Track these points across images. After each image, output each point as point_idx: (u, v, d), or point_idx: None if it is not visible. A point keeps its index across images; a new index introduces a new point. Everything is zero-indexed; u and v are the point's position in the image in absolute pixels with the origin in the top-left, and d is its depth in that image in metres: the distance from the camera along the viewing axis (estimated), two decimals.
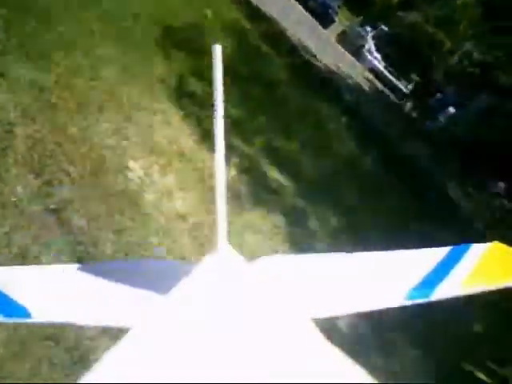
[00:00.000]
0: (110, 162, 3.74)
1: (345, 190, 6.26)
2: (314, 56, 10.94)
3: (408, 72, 16.51)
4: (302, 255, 2.02)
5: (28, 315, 1.44)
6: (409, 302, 1.55)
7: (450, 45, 12.77)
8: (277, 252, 4.14)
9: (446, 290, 1.54)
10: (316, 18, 14.81)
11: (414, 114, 14.90)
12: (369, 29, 17.15)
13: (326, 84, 9.68)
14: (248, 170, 5.04)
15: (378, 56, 16.57)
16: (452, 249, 1.81)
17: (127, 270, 1.84)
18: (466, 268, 1.65)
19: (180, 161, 4.38)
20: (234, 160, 4.94)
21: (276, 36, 9.56)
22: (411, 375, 4.13)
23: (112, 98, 4.39)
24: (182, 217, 3.82)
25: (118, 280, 1.67)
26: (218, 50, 1.83)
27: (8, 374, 2.37)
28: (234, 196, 4.40)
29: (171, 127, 4.72)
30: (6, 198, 2.95)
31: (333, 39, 16.11)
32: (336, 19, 17.00)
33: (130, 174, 3.82)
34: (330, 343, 0.69)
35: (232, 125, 4.62)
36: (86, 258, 3.03)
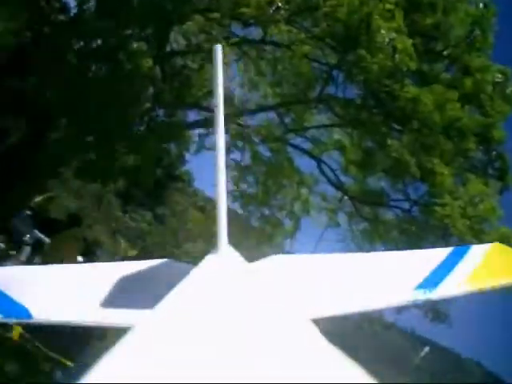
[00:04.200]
0: None
1: None
2: None
3: None
4: (302, 255, 2.07)
5: (28, 315, 1.44)
6: (410, 302, 1.65)
7: None
8: None
9: (447, 290, 1.64)
10: None
11: None
12: None
13: None
14: None
15: None
16: (454, 249, 1.91)
17: (127, 271, 1.83)
18: (468, 268, 1.73)
19: None
20: None
21: None
22: None
23: None
24: None
25: (118, 280, 1.69)
26: (218, 50, 1.77)
27: None
28: None
29: None
30: None
31: None
32: None
33: None
34: (330, 343, 0.69)
35: None
36: None
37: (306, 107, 9.44)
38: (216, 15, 7.07)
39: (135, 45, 7.60)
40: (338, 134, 9.51)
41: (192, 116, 10.13)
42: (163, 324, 0.83)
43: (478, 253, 1.86)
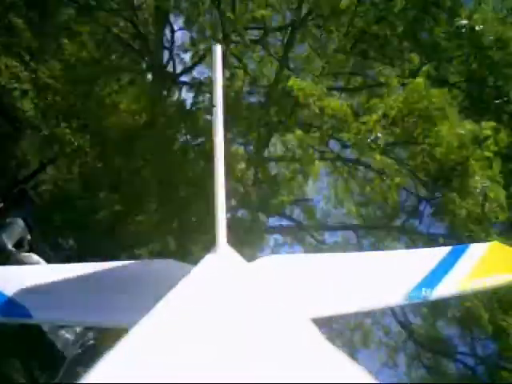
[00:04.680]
0: None
1: None
2: None
3: None
4: (302, 255, 2.03)
5: (28, 315, 1.47)
6: (410, 302, 1.59)
7: None
8: None
9: (446, 289, 1.64)
10: None
11: None
12: None
13: None
14: None
15: None
16: (452, 248, 1.88)
17: (127, 271, 1.86)
18: (466, 267, 1.71)
19: None
20: None
21: None
22: None
23: None
24: None
25: (118, 280, 1.72)
26: (218, 50, 1.81)
27: None
28: None
29: None
30: None
31: None
32: None
33: None
34: (330, 343, 0.70)
35: None
36: None
37: (387, 234, 9.37)
38: (316, 134, 7.41)
39: (233, 147, 8.10)
40: None
41: (273, 221, 10.42)
42: (163, 324, 0.83)
43: (476, 252, 1.82)
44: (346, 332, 9.30)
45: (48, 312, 1.54)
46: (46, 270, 1.89)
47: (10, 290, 1.54)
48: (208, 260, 1.37)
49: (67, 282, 1.67)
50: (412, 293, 1.57)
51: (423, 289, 1.58)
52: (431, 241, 7.97)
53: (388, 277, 1.75)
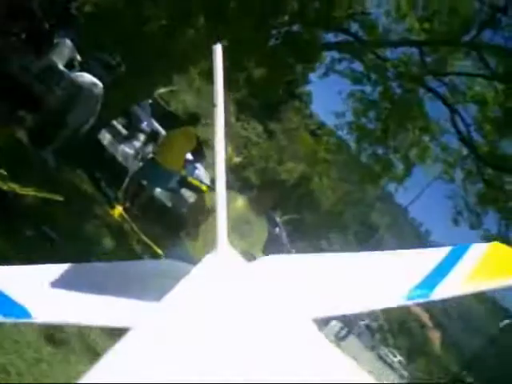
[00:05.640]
0: None
1: None
2: None
3: None
4: (302, 255, 2.02)
5: (28, 315, 1.42)
6: (409, 302, 1.54)
7: None
8: None
9: (446, 290, 1.55)
10: None
11: None
12: None
13: None
14: None
15: None
16: (452, 249, 1.78)
17: (127, 270, 1.84)
18: (466, 268, 1.65)
19: None
20: None
21: None
22: None
23: None
24: None
25: (118, 280, 1.69)
26: (218, 50, 1.58)
27: None
28: None
29: None
30: None
31: None
32: None
33: None
34: (330, 343, 0.70)
35: None
36: None
37: (455, 50, 8.69)
38: None
39: None
40: (480, 86, 8.73)
41: (329, 37, 9.78)
42: (162, 324, 0.84)
43: (477, 252, 1.75)
44: (402, 149, 9.20)
45: (48, 312, 1.50)
46: (46, 269, 1.82)
47: (9, 290, 1.51)
48: (208, 260, 1.33)
49: (68, 282, 1.63)
50: (411, 293, 1.51)
51: (423, 290, 1.52)
52: (503, 55, 7.35)
53: (387, 277, 1.71)
